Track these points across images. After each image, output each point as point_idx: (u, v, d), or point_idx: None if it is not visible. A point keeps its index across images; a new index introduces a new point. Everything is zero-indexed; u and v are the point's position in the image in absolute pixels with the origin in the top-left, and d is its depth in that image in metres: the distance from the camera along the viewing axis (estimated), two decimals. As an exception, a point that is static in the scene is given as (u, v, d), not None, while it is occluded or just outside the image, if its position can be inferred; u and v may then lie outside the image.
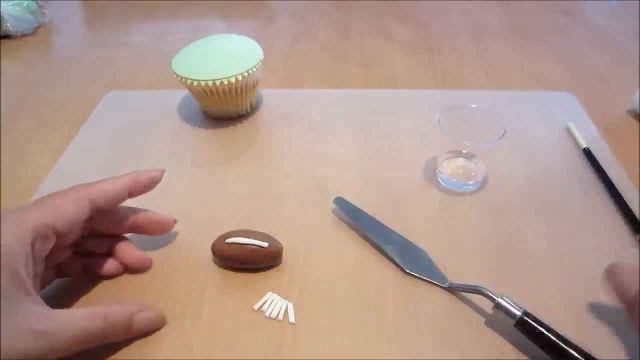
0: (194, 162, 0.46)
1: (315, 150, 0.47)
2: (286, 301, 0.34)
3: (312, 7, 0.79)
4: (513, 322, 0.30)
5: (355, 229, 0.39)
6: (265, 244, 0.35)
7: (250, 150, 0.47)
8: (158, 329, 0.32)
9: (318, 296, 0.34)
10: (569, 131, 0.48)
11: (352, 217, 0.39)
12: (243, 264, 0.35)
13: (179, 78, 0.47)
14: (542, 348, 0.29)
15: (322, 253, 0.37)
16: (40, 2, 0.75)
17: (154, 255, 0.37)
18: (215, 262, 0.36)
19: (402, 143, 0.48)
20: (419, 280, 0.35)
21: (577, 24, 0.72)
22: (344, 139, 0.49)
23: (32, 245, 0.28)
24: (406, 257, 0.36)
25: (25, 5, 0.72)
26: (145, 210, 0.36)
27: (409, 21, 0.74)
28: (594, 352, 0.29)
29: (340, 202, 0.40)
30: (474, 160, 0.44)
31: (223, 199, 0.42)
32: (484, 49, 0.66)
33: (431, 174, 0.44)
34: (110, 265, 0.36)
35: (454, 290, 0.34)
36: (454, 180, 0.42)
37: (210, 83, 0.46)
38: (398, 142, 0.48)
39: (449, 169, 0.43)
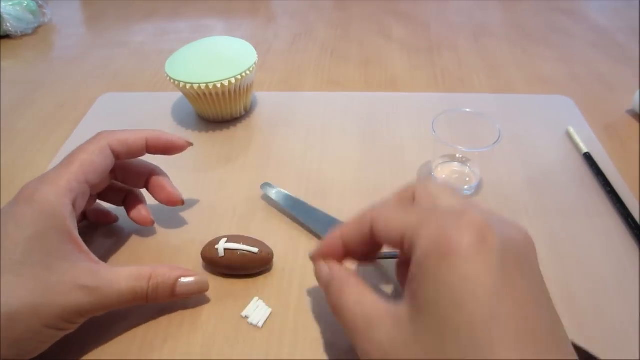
0: (188, 165, 0.46)
1: (309, 154, 0.47)
2: (270, 309, 0.33)
3: (312, 7, 0.79)
4: None
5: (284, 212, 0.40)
6: (255, 250, 0.34)
7: (245, 154, 0.47)
8: (200, 294, 0.33)
9: (304, 304, 0.34)
10: (567, 135, 0.48)
11: (282, 203, 0.40)
12: (233, 270, 0.35)
13: (172, 81, 0.47)
14: None
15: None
16: (40, 2, 0.75)
17: (145, 260, 0.37)
18: (205, 268, 0.36)
19: (398, 147, 0.48)
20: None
21: (577, 24, 0.72)
22: (339, 143, 0.48)
23: (73, 203, 0.30)
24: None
25: (25, 5, 0.72)
26: (162, 174, 0.38)
27: (409, 21, 0.74)
28: (594, 352, 0.29)
29: (266, 187, 0.41)
30: (468, 165, 0.44)
31: (218, 203, 0.42)
32: (484, 49, 0.66)
33: (426, 178, 0.44)
34: (141, 211, 0.38)
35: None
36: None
37: (203, 86, 0.46)
38: (394, 146, 0.48)
39: (443, 173, 0.43)
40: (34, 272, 0.27)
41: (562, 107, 0.53)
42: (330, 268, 0.28)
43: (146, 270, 0.30)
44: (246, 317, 0.33)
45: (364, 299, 0.25)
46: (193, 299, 0.34)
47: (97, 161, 0.32)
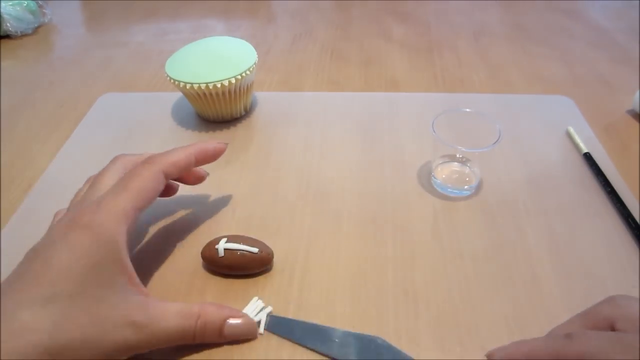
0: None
1: (309, 154, 0.47)
2: (270, 307, 0.33)
3: (312, 7, 0.79)
4: None
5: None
6: (255, 250, 0.34)
7: (244, 154, 0.47)
8: (248, 340, 0.31)
9: (304, 304, 0.34)
10: (567, 135, 0.48)
11: (287, 333, 0.32)
12: (233, 270, 0.35)
13: (172, 81, 0.47)
14: None
15: (317, 257, 0.37)
16: (40, 2, 0.75)
17: (145, 260, 0.37)
18: (205, 268, 0.36)
19: (398, 147, 0.47)
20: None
21: (577, 24, 0.72)
22: (339, 143, 0.48)
23: (127, 232, 0.29)
24: (364, 354, 0.30)
25: (25, 5, 0.72)
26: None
27: (409, 21, 0.74)
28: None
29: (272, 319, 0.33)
30: (468, 165, 0.44)
31: (218, 203, 0.42)
32: (484, 49, 0.66)
33: (425, 178, 0.44)
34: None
35: None
36: (449, 185, 0.42)
37: (203, 86, 0.46)
38: (394, 146, 0.48)
39: (443, 173, 0.43)
40: (86, 305, 0.26)
41: (562, 107, 0.53)
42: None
43: (195, 309, 0.30)
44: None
45: None
46: (190, 297, 0.34)
47: (150, 187, 0.31)
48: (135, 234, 0.39)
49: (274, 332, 0.32)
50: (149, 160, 0.33)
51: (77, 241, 0.27)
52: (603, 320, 0.26)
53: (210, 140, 0.49)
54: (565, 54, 0.64)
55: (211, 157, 0.36)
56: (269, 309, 0.33)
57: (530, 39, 0.68)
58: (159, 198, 0.38)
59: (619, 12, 0.75)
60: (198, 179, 0.39)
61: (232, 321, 0.31)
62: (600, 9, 0.76)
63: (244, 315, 0.31)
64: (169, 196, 0.39)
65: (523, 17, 0.74)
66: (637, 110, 0.52)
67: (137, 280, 0.29)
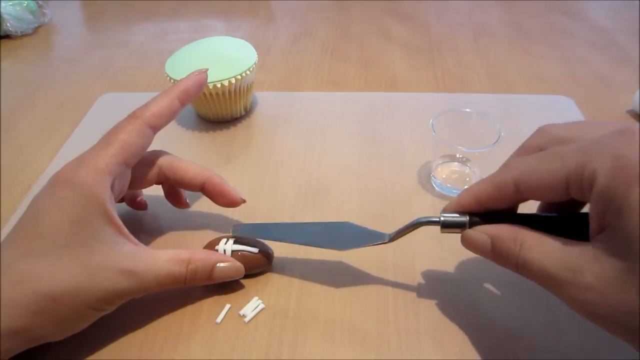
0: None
1: (309, 154, 0.47)
2: (264, 305, 0.33)
3: (312, 7, 0.79)
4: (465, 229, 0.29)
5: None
6: (255, 250, 0.34)
7: (245, 154, 0.47)
8: (236, 277, 0.33)
9: (304, 304, 0.34)
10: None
11: (261, 234, 0.35)
12: None
13: (172, 81, 0.47)
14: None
15: (317, 257, 0.37)
16: (40, 2, 0.75)
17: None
18: None
19: (398, 147, 0.47)
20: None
21: (577, 24, 0.72)
22: (339, 143, 0.48)
23: (112, 185, 0.30)
24: (335, 238, 0.33)
25: (25, 5, 0.72)
26: (218, 178, 0.36)
27: (409, 21, 0.74)
28: (595, 352, 0.29)
29: (239, 229, 0.35)
30: (468, 165, 0.44)
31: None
32: (484, 49, 0.66)
33: (425, 178, 0.44)
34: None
35: (397, 238, 0.32)
36: (448, 185, 0.42)
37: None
38: (394, 146, 0.48)
39: (443, 173, 0.43)
40: (77, 256, 0.27)
41: (562, 107, 0.53)
42: (491, 229, 0.27)
43: (184, 255, 0.31)
44: (244, 315, 0.33)
45: (551, 248, 0.24)
46: (190, 297, 0.34)
47: (135, 142, 0.31)
48: (135, 233, 0.39)
49: (248, 235, 0.34)
50: (132, 114, 0.33)
51: (61, 197, 0.28)
52: (533, 149, 0.28)
53: (210, 139, 0.49)
54: (565, 54, 0.64)
55: (195, 92, 0.35)
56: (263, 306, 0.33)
57: (530, 39, 0.68)
58: (157, 198, 0.38)
59: (618, 12, 0.75)
60: (231, 204, 0.36)
61: (221, 265, 0.32)
62: (600, 9, 0.76)
63: (232, 259, 0.33)
64: (139, 209, 0.40)
65: (523, 17, 0.74)
66: (637, 110, 0.52)
67: (125, 231, 0.30)
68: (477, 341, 0.31)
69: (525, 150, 0.29)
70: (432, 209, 0.41)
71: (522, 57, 0.63)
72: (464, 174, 0.43)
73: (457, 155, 0.43)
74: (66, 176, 0.29)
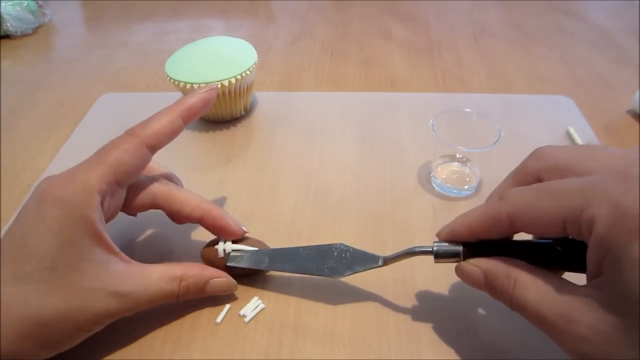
0: (188, 165, 0.46)
1: (309, 154, 0.47)
2: (263, 305, 0.33)
3: (312, 7, 0.79)
4: (461, 259, 0.28)
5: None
6: (255, 250, 0.34)
7: (245, 154, 0.47)
8: (228, 292, 0.33)
9: (304, 304, 0.34)
10: (567, 135, 0.48)
11: (254, 264, 0.33)
12: (233, 270, 0.34)
13: (172, 81, 0.47)
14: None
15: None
16: (40, 2, 0.75)
17: (145, 261, 0.37)
18: None
19: (398, 147, 0.47)
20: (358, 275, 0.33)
21: (577, 24, 0.72)
22: (339, 143, 0.48)
23: (102, 204, 0.29)
24: (329, 263, 0.32)
25: (25, 5, 0.72)
26: (218, 210, 0.33)
27: (409, 21, 0.74)
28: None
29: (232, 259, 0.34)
30: (468, 165, 0.43)
31: (218, 203, 0.42)
32: (484, 49, 0.66)
33: (425, 178, 0.44)
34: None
35: (390, 262, 0.31)
36: (448, 185, 0.42)
37: (203, 86, 0.46)
38: (394, 146, 0.48)
39: (443, 173, 0.43)
40: (66, 279, 0.27)
41: (562, 107, 0.53)
42: (485, 264, 0.27)
43: (177, 272, 0.30)
44: (244, 315, 0.33)
45: (545, 290, 0.23)
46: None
47: (129, 162, 0.29)
48: (135, 233, 0.39)
49: (239, 266, 0.33)
50: (130, 131, 0.31)
51: (49, 216, 0.27)
52: (530, 175, 0.27)
53: (210, 139, 0.49)
54: (565, 54, 0.64)
55: (201, 109, 0.33)
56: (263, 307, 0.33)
57: (530, 39, 0.68)
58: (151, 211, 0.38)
59: (618, 12, 0.75)
60: (232, 236, 0.34)
61: (214, 281, 0.32)
62: (600, 9, 0.76)
63: (225, 275, 0.32)
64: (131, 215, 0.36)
65: (523, 17, 0.74)
66: (637, 110, 0.52)
67: (115, 248, 0.29)
68: (477, 341, 0.31)
69: (521, 175, 0.28)
70: (432, 208, 0.41)
71: (522, 57, 0.63)
72: (464, 174, 0.43)
73: (457, 155, 0.43)
74: (55, 192, 0.27)
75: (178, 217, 0.34)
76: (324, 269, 0.32)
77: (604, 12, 0.75)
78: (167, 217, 0.40)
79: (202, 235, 0.39)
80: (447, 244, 0.29)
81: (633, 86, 0.56)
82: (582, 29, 0.70)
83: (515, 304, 0.25)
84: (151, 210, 0.40)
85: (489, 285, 0.26)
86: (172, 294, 0.30)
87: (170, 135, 0.32)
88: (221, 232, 0.34)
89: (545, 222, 0.24)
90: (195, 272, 0.31)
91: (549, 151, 0.27)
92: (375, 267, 0.31)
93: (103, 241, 0.28)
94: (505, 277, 0.25)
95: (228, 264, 0.33)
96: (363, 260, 0.32)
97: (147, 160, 0.31)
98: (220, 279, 0.32)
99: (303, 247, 0.34)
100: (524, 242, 0.28)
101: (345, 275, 0.32)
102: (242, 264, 0.33)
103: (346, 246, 0.33)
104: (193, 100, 0.32)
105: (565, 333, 0.22)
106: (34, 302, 0.26)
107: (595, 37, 0.68)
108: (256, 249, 0.34)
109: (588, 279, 0.23)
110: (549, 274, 0.24)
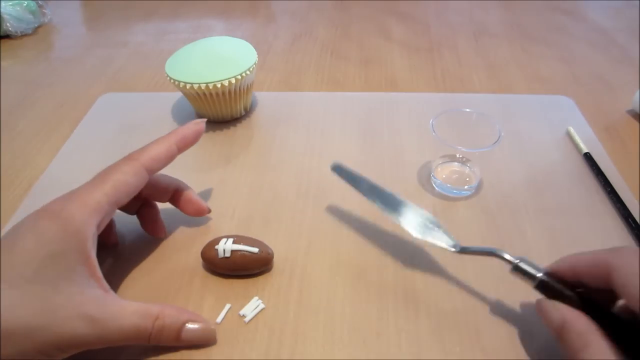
0: (188, 165, 0.46)
1: (309, 154, 0.47)
2: (263, 305, 0.33)
3: (312, 7, 0.79)
4: (533, 284, 0.29)
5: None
6: (255, 250, 0.34)
7: (245, 154, 0.47)
8: (207, 346, 0.31)
9: (304, 304, 0.34)
10: (567, 135, 0.48)
11: (352, 183, 0.38)
12: (233, 270, 0.35)
13: (172, 81, 0.47)
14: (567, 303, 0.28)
15: (317, 257, 0.37)
16: (40, 2, 0.75)
17: (145, 261, 0.37)
18: (205, 268, 0.36)
19: (398, 147, 0.47)
20: (427, 248, 0.35)
21: (577, 24, 0.72)
22: (339, 143, 0.48)
23: (99, 225, 0.29)
24: (413, 222, 0.35)
25: (25, 5, 0.72)
26: (187, 187, 0.38)
27: (409, 21, 0.74)
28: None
29: (338, 169, 0.39)
30: (468, 165, 0.43)
31: (218, 203, 0.42)
32: (484, 49, 0.66)
33: (425, 178, 0.44)
34: (157, 224, 0.38)
35: (465, 253, 0.33)
36: (448, 185, 0.42)
37: (203, 86, 0.46)
38: (394, 146, 0.48)
39: (443, 174, 0.43)
40: (40, 293, 0.26)
41: (562, 107, 0.53)
42: (568, 313, 0.27)
43: (153, 310, 0.29)
44: (244, 315, 0.33)
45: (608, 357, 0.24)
46: (190, 297, 0.34)
47: (130, 182, 0.31)
48: (135, 233, 0.39)
49: (342, 177, 0.38)
50: (129, 156, 0.32)
51: (44, 229, 0.27)
52: (603, 264, 0.27)
53: (210, 139, 0.49)
54: (565, 54, 0.64)
55: (192, 140, 0.36)
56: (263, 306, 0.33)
57: (530, 39, 0.68)
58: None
59: (618, 11, 0.75)
60: (198, 212, 0.38)
61: (190, 325, 0.30)
62: (600, 9, 0.76)
63: (204, 321, 0.31)
64: (108, 245, 0.38)
65: (523, 17, 0.74)
66: (637, 110, 0.52)
67: (99, 274, 0.29)
68: (477, 341, 0.31)
69: (594, 262, 0.28)
70: (432, 209, 0.41)
71: (522, 57, 0.63)
72: (464, 174, 0.43)
73: (457, 155, 0.43)
74: (54, 208, 0.28)
75: (154, 195, 0.37)
76: (411, 224, 0.34)
77: (604, 12, 0.75)
78: (166, 218, 0.40)
79: (203, 235, 0.39)
80: (531, 263, 0.30)
81: (633, 86, 0.56)
82: (582, 29, 0.70)
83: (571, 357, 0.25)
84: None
85: (561, 334, 0.27)
86: (145, 331, 0.28)
87: (165, 160, 0.34)
88: (189, 206, 0.38)
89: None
90: (172, 312, 0.30)
91: (628, 253, 0.27)
92: (450, 251, 0.33)
93: (89, 262, 0.28)
94: (579, 336, 0.26)
95: (332, 169, 0.38)
96: (443, 236, 0.34)
97: (144, 181, 0.33)
98: (198, 324, 0.30)
99: (388, 192, 0.37)
100: (605, 311, 0.28)
101: (425, 239, 0.33)
102: (343, 175, 0.38)
103: (434, 218, 0.35)
104: (186, 131, 0.35)
105: None
106: (5, 311, 0.25)
107: (595, 37, 0.68)
108: (356, 173, 0.38)
109: None
110: (619, 352, 0.25)
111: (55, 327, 0.26)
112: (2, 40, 0.71)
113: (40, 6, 0.75)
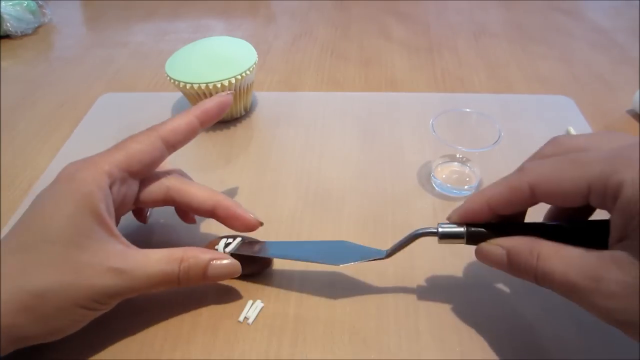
0: (188, 165, 0.45)
1: (309, 154, 0.47)
2: (262, 304, 0.33)
3: (312, 7, 0.79)
4: (464, 241, 0.29)
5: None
6: (259, 241, 0.34)
7: (245, 154, 0.47)
8: (232, 277, 0.32)
9: (304, 304, 0.34)
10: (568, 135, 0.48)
11: (256, 251, 0.34)
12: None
13: (172, 81, 0.47)
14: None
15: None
16: (40, 2, 0.75)
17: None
18: None
19: (398, 147, 0.47)
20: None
21: (577, 24, 0.72)
22: (339, 143, 0.48)
23: (111, 188, 0.30)
24: (331, 255, 0.33)
25: (25, 5, 0.72)
26: (228, 201, 0.34)
27: (409, 21, 0.74)
28: (594, 352, 0.29)
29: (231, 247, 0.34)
30: (468, 165, 0.43)
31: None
32: (484, 49, 0.66)
33: (425, 178, 0.44)
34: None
35: (394, 253, 0.32)
36: (448, 185, 0.42)
37: (203, 86, 0.46)
38: (394, 146, 0.48)
39: (443, 174, 0.43)
40: (65, 253, 0.27)
41: (562, 107, 0.53)
42: (506, 242, 0.27)
43: (177, 253, 0.30)
44: (246, 317, 0.33)
45: (570, 257, 0.24)
46: (189, 298, 0.34)
47: (144, 150, 0.31)
48: (135, 233, 0.39)
49: (244, 254, 0.33)
50: (149, 128, 0.33)
51: (59, 192, 0.28)
52: (550, 157, 0.27)
53: (210, 139, 0.49)
54: (565, 54, 0.64)
55: (215, 114, 0.34)
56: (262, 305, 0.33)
57: (530, 39, 0.68)
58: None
59: (618, 11, 0.75)
60: (247, 227, 0.34)
61: (215, 262, 0.31)
62: (600, 9, 0.76)
63: (227, 257, 0.32)
64: (138, 220, 0.39)
65: (523, 17, 0.74)
66: (637, 110, 0.52)
67: (116, 232, 0.30)
68: (477, 341, 0.31)
69: (539, 157, 0.28)
70: (432, 209, 0.41)
71: (522, 57, 0.63)
72: (464, 174, 0.43)
73: (457, 155, 0.43)
74: (70, 171, 0.29)
75: (189, 209, 0.35)
76: (326, 258, 0.33)
77: (604, 12, 0.75)
78: (172, 222, 0.40)
79: (203, 235, 0.39)
80: (452, 225, 0.29)
81: (633, 86, 0.56)
82: (582, 29, 0.70)
83: (540, 277, 0.25)
84: (155, 217, 0.40)
85: (512, 263, 0.27)
86: (173, 275, 0.30)
87: (186, 133, 0.33)
88: (235, 223, 0.34)
89: (569, 190, 0.24)
90: (195, 253, 0.31)
91: (565, 138, 0.28)
92: (379, 259, 0.32)
93: (104, 221, 0.29)
94: (529, 252, 0.26)
95: (226, 250, 0.34)
96: (366, 253, 0.33)
97: (162, 154, 0.32)
98: (222, 260, 0.31)
99: (307, 241, 0.36)
100: (537, 224, 0.28)
101: (349, 263, 0.32)
102: (242, 252, 0.33)
103: (350, 243, 0.34)
104: (209, 104, 0.34)
105: (594, 293, 0.23)
106: (31, 274, 0.26)
107: (595, 37, 0.68)
108: (262, 240, 0.35)
109: (611, 245, 0.23)
110: (569, 246, 0.25)
111: (86, 283, 0.27)
112: (2, 40, 0.71)
113: (40, 6, 0.75)
